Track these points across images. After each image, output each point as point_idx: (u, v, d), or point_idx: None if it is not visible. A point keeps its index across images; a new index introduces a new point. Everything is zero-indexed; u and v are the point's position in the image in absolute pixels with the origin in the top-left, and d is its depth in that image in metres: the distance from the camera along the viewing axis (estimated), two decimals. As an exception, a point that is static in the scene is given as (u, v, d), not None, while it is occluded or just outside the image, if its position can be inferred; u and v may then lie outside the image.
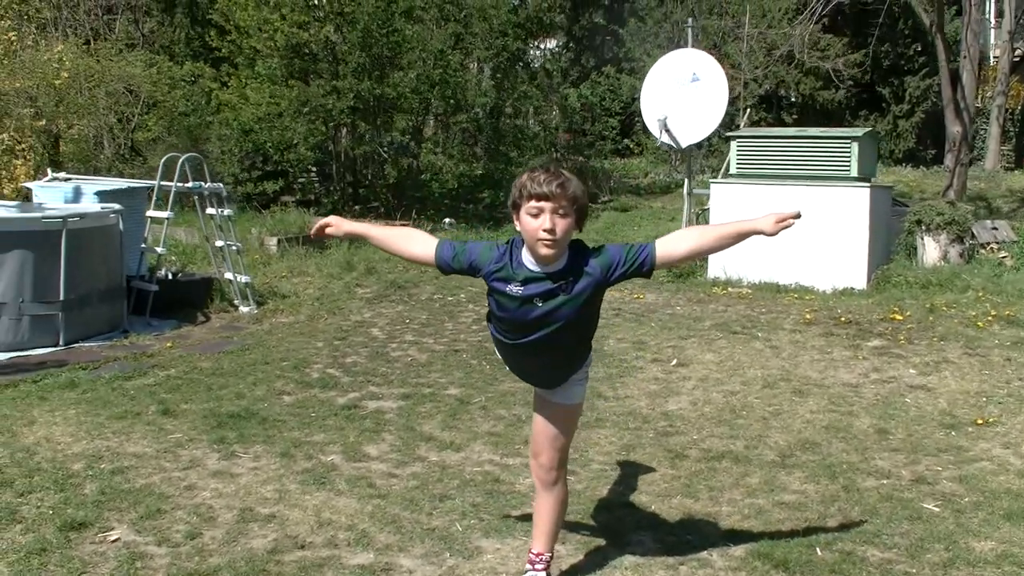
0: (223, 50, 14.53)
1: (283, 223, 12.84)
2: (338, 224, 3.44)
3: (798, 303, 9.34)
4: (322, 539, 4.05)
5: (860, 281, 9.91)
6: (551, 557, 3.56)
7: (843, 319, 8.47)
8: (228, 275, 9.74)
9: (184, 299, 9.63)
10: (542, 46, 18.70)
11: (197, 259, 11.39)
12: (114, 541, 4.06)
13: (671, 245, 3.12)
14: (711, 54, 11.62)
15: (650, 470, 4.87)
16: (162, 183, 9.54)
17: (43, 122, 13.13)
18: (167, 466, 4.95)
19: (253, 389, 6.45)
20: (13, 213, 9.17)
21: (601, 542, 4.01)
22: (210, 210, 9.91)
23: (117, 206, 8.96)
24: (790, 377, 6.65)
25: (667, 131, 10.57)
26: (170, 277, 10.09)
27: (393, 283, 10.48)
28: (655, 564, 3.78)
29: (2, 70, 12.39)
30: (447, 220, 14.44)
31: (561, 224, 2.96)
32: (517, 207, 3.04)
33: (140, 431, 5.51)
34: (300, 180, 15.65)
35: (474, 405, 6.05)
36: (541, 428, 3.47)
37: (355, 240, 4.05)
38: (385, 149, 14.20)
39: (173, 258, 10.71)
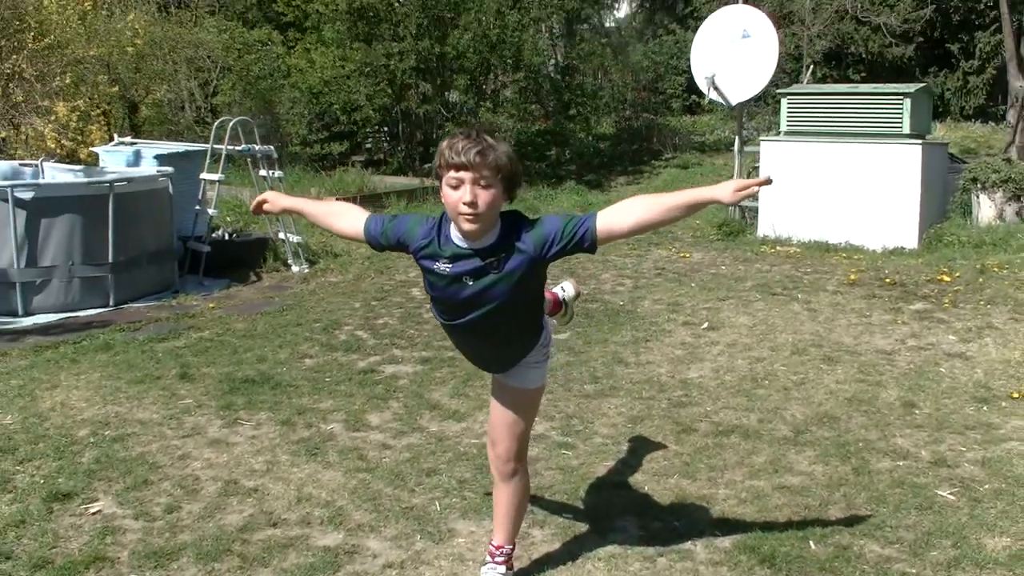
0: (288, 15, 14.52)
1: (342, 183, 12.82)
2: (274, 200, 3.26)
3: (845, 263, 8.91)
4: (297, 516, 3.95)
5: (911, 240, 9.41)
6: (512, 549, 3.34)
7: (888, 280, 8.02)
8: (281, 235, 9.76)
9: (238, 259, 9.70)
10: (615, 6, 18.28)
11: (260, 220, 11.43)
12: (94, 513, 4.04)
13: (614, 218, 2.76)
14: (769, 10, 11.06)
15: (653, 446, 4.62)
16: (215, 146, 9.58)
17: (116, 88, 13.33)
18: (168, 434, 4.92)
19: (277, 352, 6.41)
20: (68, 178, 9.35)
21: (582, 527, 3.80)
22: (262, 172, 9.92)
23: (168, 169, 9.02)
24: (822, 343, 6.28)
25: (715, 88, 10.13)
26: (227, 238, 10.18)
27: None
28: (632, 555, 3.54)
29: (79, 38, 12.57)
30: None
31: (484, 196, 2.66)
32: (439, 177, 2.75)
33: (153, 396, 5.51)
34: (368, 141, 15.60)
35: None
36: (498, 415, 3.21)
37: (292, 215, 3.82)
38: (446, 109, 14.01)
39: (229, 219, 10.77)
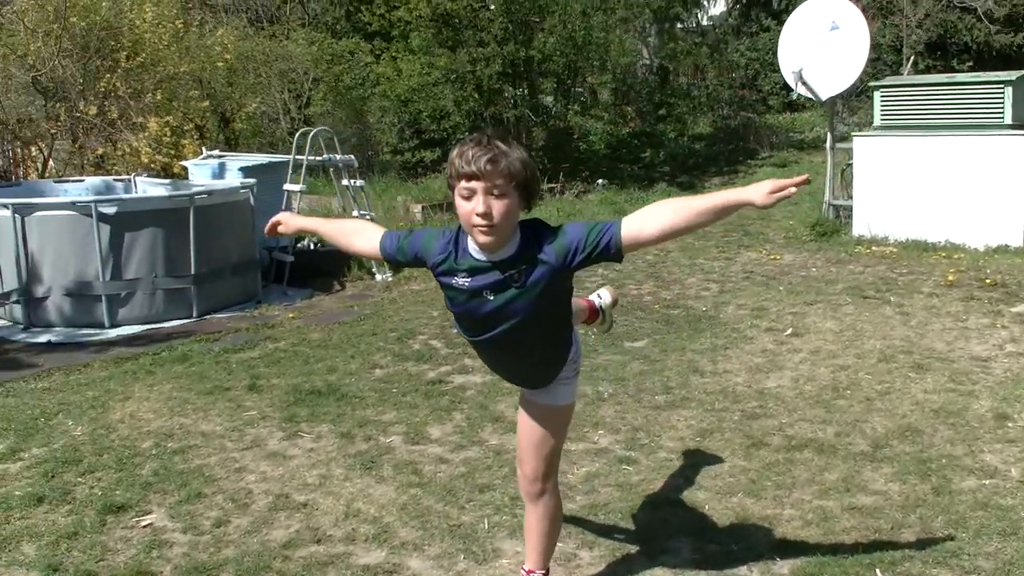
0: (374, 24, 14.63)
1: (428, 191, 12.81)
2: (287, 221, 3.14)
3: (944, 263, 8.43)
4: (342, 533, 3.86)
5: (1016, 238, 8.85)
6: (544, 574, 3.17)
7: (989, 281, 7.54)
8: (366, 244, 9.76)
9: (322, 269, 9.75)
10: (710, 4, 17.90)
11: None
12: (145, 526, 4.03)
13: (640, 224, 2.55)
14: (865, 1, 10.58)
15: (719, 461, 4.39)
16: (297, 157, 9.66)
17: (207, 103, 13.62)
18: (228, 446, 4.91)
19: (348, 363, 6.37)
20: (157, 192, 9.56)
21: (633, 549, 3.60)
22: (344, 181, 9.97)
23: (250, 181, 9.12)
24: (912, 349, 5.92)
25: (803, 83, 9.73)
26: (311, 247, 10.25)
27: (527, 249, 10.20)
28: (682, 579, 3.34)
29: (171, 55, 12.90)
30: (600, 181, 14.02)
31: (498, 206, 2.48)
32: (452, 188, 2.58)
33: (219, 408, 5.51)
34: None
35: (561, 383, 5.70)
36: (525, 432, 3.04)
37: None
38: (535, 113, 13.89)
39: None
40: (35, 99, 12.65)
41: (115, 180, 11.16)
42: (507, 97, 13.33)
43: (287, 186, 9.68)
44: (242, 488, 4.37)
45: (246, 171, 9.99)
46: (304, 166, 9.53)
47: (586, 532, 3.74)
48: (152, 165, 12.25)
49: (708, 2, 19.06)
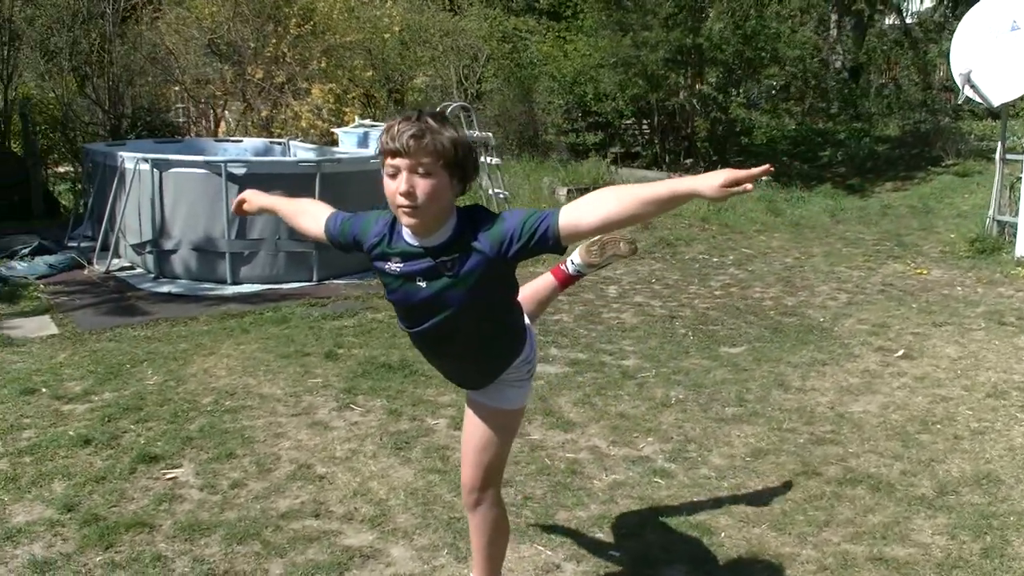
0: (542, 2, 14.50)
1: (576, 174, 12.60)
2: (251, 200, 3.04)
3: (1111, 299, 7.50)
4: (343, 510, 3.80)
5: None
6: None
7: None
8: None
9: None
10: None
11: (492, 205, 11.50)
12: (169, 479, 4.10)
13: (578, 213, 2.29)
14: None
15: (760, 486, 4.04)
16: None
17: (371, 73, 13.90)
18: (279, 410, 4.94)
19: (433, 341, 6.30)
20: (307, 155, 9.83)
21: (621, 569, 3.36)
22: (482, 158, 9.93)
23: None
24: (1030, 389, 5.29)
25: (971, 85, 8.87)
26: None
27: (663, 240, 9.89)
28: (663, 606, 3.08)
29: (340, 23, 13.23)
30: (763, 177, 13.41)
31: (423, 186, 2.28)
32: (382, 167, 2.38)
33: (289, 372, 5.58)
34: (626, 132, 15.31)
35: (635, 380, 5.46)
36: (467, 437, 2.84)
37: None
38: (700, 101, 13.42)
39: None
40: (212, 61, 13.25)
41: (272, 142, 11.58)
42: (670, 84, 12.91)
43: (424, 159, 9.71)
44: (271, 453, 4.38)
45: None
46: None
47: (579, 544, 3.52)
48: (312, 130, 12.62)
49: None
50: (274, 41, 12.41)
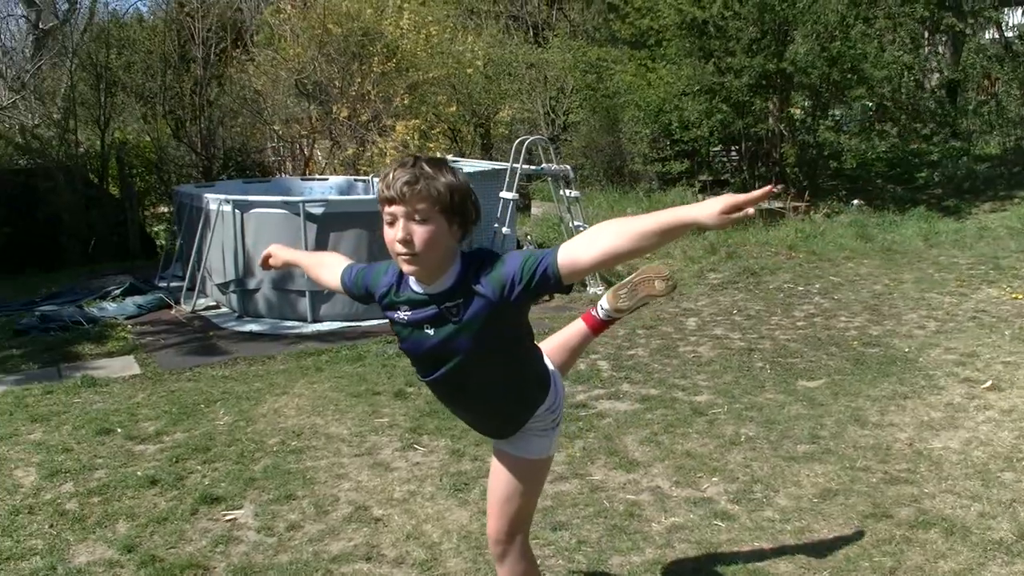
0: (623, 33, 14.45)
1: (660, 204, 12.46)
2: (275, 255, 3.04)
3: None
4: (395, 554, 3.77)
5: None
6: None
7: None
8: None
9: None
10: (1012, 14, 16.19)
11: (562, 237, 11.41)
12: (228, 520, 4.14)
13: (577, 250, 2.22)
14: None
15: (827, 529, 3.87)
16: (513, 165, 9.71)
17: (454, 108, 14.03)
18: (343, 451, 4.96)
19: (504, 378, 6.26)
20: (352, 196, 9.96)
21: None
22: (563, 191, 9.90)
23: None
24: (1125, 426, 4.96)
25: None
26: (528, 257, 10.27)
27: (747, 269, 9.68)
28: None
29: (423, 60, 13.43)
30: (855, 201, 13.05)
31: (420, 233, 2.25)
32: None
33: (358, 411, 5.60)
34: (714, 160, 15.11)
35: (705, 417, 5.31)
36: (492, 486, 2.77)
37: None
38: (787, 127, 13.14)
39: (529, 236, 10.86)
40: (300, 101, 13.57)
41: (356, 180, 11.78)
42: (756, 110, 12.69)
43: (503, 194, 9.74)
44: (331, 495, 4.38)
45: (470, 176, 10.15)
46: (516, 174, 9.53)
47: (629, 590, 3.41)
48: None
49: (1009, 11, 17.25)
50: (358, 80, 12.64)
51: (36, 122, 11.80)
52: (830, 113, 13.10)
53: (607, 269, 9.30)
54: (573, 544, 3.82)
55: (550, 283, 2.24)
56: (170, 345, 7.43)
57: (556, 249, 2.24)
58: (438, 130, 13.60)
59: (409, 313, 2.41)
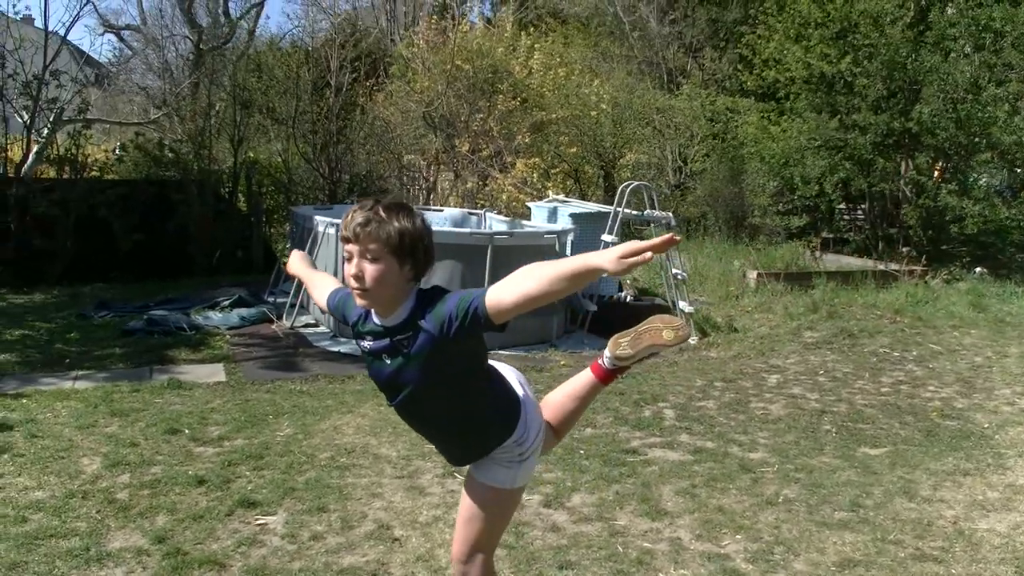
0: (748, 84, 14.36)
1: (770, 258, 12.28)
2: (292, 263, 3.25)
3: None
4: (400, 573, 3.91)
5: None
6: None
7: None
8: (682, 304, 9.67)
9: (627, 321, 9.69)
10: None
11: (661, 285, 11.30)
12: (259, 524, 4.36)
13: (502, 292, 2.36)
14: None
15: (831, 598, 3.80)
16: (616, 209, 9.80)
17: (575, 149, 14.21)
18: (386, 471, 5.13)
19: (565, 417, 6.32)
20: (500, 227, 10.20)
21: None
22: (664, 237, 9.91)
23: (559, 228, 9.44)
24: None
25: None
26: (627, 299, 10.33)
27: (844, 330, 9.45)
28: None
29: (548, 101, 13.69)
30: (977, 269, 12.54)
31: (370, 271, 2.44)
32: None
33: (412, 436, 5.73)
34: (836, 217, 14.80)
35: (751, 475, 5.26)
36: (460, 509, 2.89)
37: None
38: (912, 188, 12.77)
39: (630, 281, 10.87)
40: (427, 132, 14.01)
41: (471, 213, 12.07)
42: (879, 169, 12.39)
43: (604, 236, 9.82)
44: (360, 512, 4.55)
45: (575, 218, 10.33)
46: (618, 218, 9.61)
47: (609, 635, 3.44)
48: (514, 203, 13.04)
49: None
50: (482, 116, 12.98)
51: (175, 138, 12.58)
52: (972, 177, 12.65)
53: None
54: (572, 585, 3.87)
55: (481, 322, 2.37)
56: (260, 357, 7.79)
57: (486, 290, 2.36)
58: (558, 170, 13.80)
59: (371, 343, 2.59)
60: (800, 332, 9.53)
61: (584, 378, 3.16)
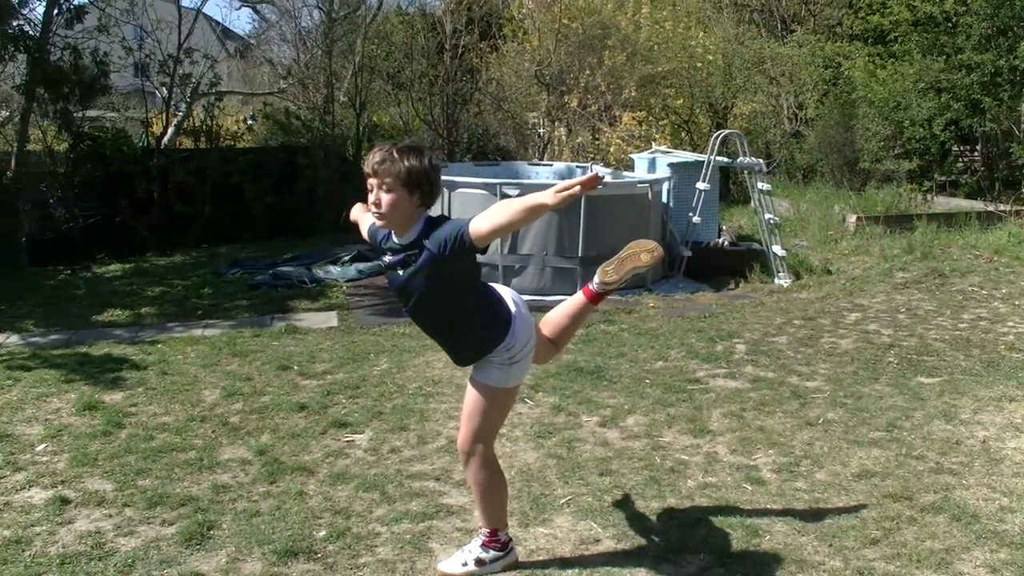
0: (855, 28, 14.22)
1: (871, 202, 12.31)
2: (352, 211, 3.89)
3: None
4: (459, 478, 4.48)
5: None
6: (491, 532, 3.56)
7: None
8: (775, 248, 9.95)
9: (725, 266, 10.10)
10: None
11: (788, 232, 11.43)
12: (347, 441, 5.07)
13: (479, 223, 3.03)
14: None
15: (843, 503, 4.21)
16: (710, 157, 10.12)
17: (680, 101, 14.45)
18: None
19: (641, 351, 6.84)
20: (615, 178, 10.69)
21: (654, 552, 3.80)
22: (760, 185, 10.18)
23: (653, 177, 9.85)
24: None
25: None
26: (724, 245, 10.66)
27: (936, 270, 9.53)
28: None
29: (656, 55, 13.98)
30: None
31: (386, 199, 3.10)
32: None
33: (493, 369, 6.38)
34: (949, 160, 14.57)
35: (801, 400, 5.65)
36: (464, 405, 3.52)
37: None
38: (1019, 127, 12.49)
39: (726, 227, 11.14)
40: (540, 91, 14.51)
41: (578, 166, 12.55)
42: (987, 109, 12.20)
43: (698, 184, 10.17)
44: (436, 430, 5.20)
45: (673, 167, 10.69)
46: (710, 166, 9.94)
47: (631, 527, 3.98)
48: (622, 156, 13.44)
49: None
50: (588, 72, 13.40)
51: (304, 104, 13.50)
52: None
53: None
54: (608, 486, 4.42)
55: (466, 245, 3.06)
56: (370, 305, 8.56)
57: (471, 220, 3.03)
58: (665, 122, 14.09)
59: (391, 257, 3.29)
60: (892, 273, 9.67)
61: (577, 299, 3.82)
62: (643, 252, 3.69)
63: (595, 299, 3.80)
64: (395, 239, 3.27)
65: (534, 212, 3.00)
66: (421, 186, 3.15)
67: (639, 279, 9.48)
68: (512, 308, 3.44)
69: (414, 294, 3.27)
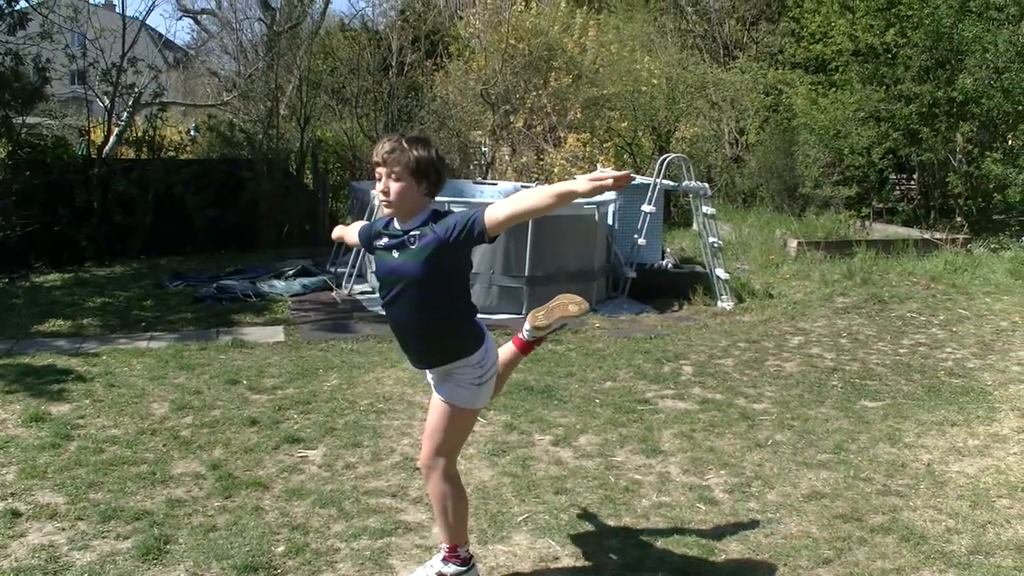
0: (797, 56, 14.59)
1: (811, 227, 12.59)
2: (334, 231, 3.96)
3: None
4: (416, 495, 4.51)
5: None
6: (450, 548, 3.56)
7: None
8: (718, 271, 10.10)
9: (667, 288, 10.23)
10: None
11: (731, 256, 11.63)
12: (300, 456, 5.02)
13: (496, 210, 3.09)
14: None
15: (796, 524, 4.30)
16: (655, 180, 10.26)
17: (625, 124, 14.64)
18: (418, 415, 5.73)
19: (590, 371, 6.90)
20: None
21: (613, 570, 3.83)
22: (704, 208, 10.34)
23: (600, 198, 9.91)
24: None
25: None
26: (667, 267, 10.79)
27: (875, 296, 9.79)
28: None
29: (600, 78, 14.14)
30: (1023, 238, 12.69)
31: (395, 187, 3.19)
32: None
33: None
34: (886, 188, 14.97)
35: (749, 422, 5.76)
36: (427, 423, 3.54)
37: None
38: (956, 157, 12.92)
39: (670, 249, 11.29)
40: (484, 109, 14.57)
41: (523, 185, 12.61)
42: (924, 139, 12.59)
43: (644, 207, 10.30)
44: (390, 447, 5.19)
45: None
46: (655, 189, 10.07)
47: (588, 546, 4.02)
48: (566, 176, 13.55)
49: None
50: (534, 93, 13.50)
51: (247, 118, 13.37)
52: (998, 144, 12.80)
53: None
54: (564, 505, 4.45)
55: (475, 232, 3.11)
56: (317, 320, 8.50)
57: (486, 208, 3.09)
58: (609, 144, 14.25)
59: (386, 240, 3.33)
60: (832, 298, 9.90)
61: (507, 349, 3.97)
62: (571, 304, 3.92)
63: (525, 348, 4.01)
64: (397, 225, 3.31)
65: (564, 199, 3.03)
66: (428, 176, 3.24)
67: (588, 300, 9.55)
68: (485, 330, 3.48)
69: (403, 279, 3.27)
